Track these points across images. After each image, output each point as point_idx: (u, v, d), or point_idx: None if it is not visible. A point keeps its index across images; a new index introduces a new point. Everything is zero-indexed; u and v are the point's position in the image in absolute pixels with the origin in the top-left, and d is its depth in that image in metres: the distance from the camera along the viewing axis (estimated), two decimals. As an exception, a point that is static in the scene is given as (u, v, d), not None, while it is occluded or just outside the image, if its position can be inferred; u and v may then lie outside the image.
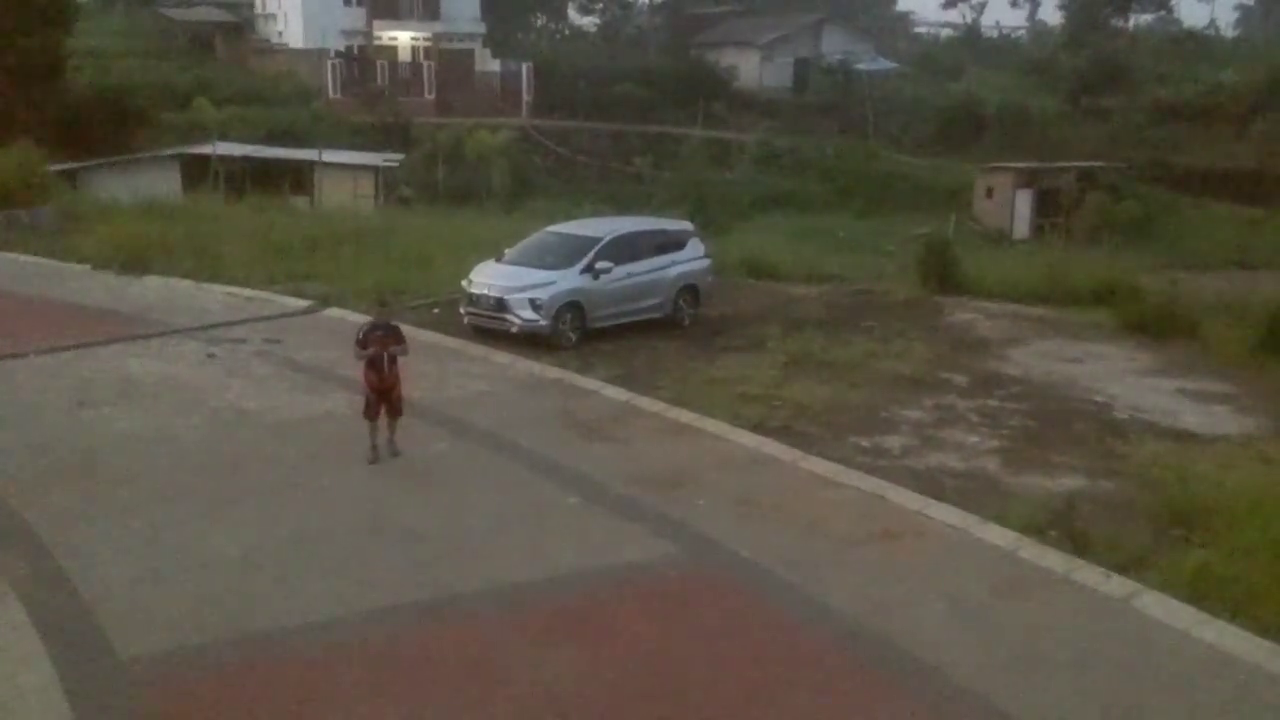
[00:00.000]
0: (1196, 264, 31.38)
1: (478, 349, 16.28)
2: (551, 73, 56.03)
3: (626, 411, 13.71)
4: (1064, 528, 10.03)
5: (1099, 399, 14.63)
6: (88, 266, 21.26)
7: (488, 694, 7.60)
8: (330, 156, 34.23)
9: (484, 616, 8.67)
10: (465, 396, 14.14)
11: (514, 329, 16.30)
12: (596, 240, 17.19)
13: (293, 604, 8.73)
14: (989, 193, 44.70)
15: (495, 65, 56.61)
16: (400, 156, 38.94)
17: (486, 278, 16.85)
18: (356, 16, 55.40)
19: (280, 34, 57.29)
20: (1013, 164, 45.16)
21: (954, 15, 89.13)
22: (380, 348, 11.70)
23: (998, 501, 10.81)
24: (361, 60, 54.63)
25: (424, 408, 13.11)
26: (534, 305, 16.18)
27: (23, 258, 22.21)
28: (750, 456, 12.18)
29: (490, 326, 16.61)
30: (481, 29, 57.69)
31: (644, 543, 10.01)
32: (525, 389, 14.69)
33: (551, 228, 18.80)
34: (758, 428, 12.87)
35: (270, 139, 39.04)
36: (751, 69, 63.01)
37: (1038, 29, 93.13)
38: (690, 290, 18.06)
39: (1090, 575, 9.32)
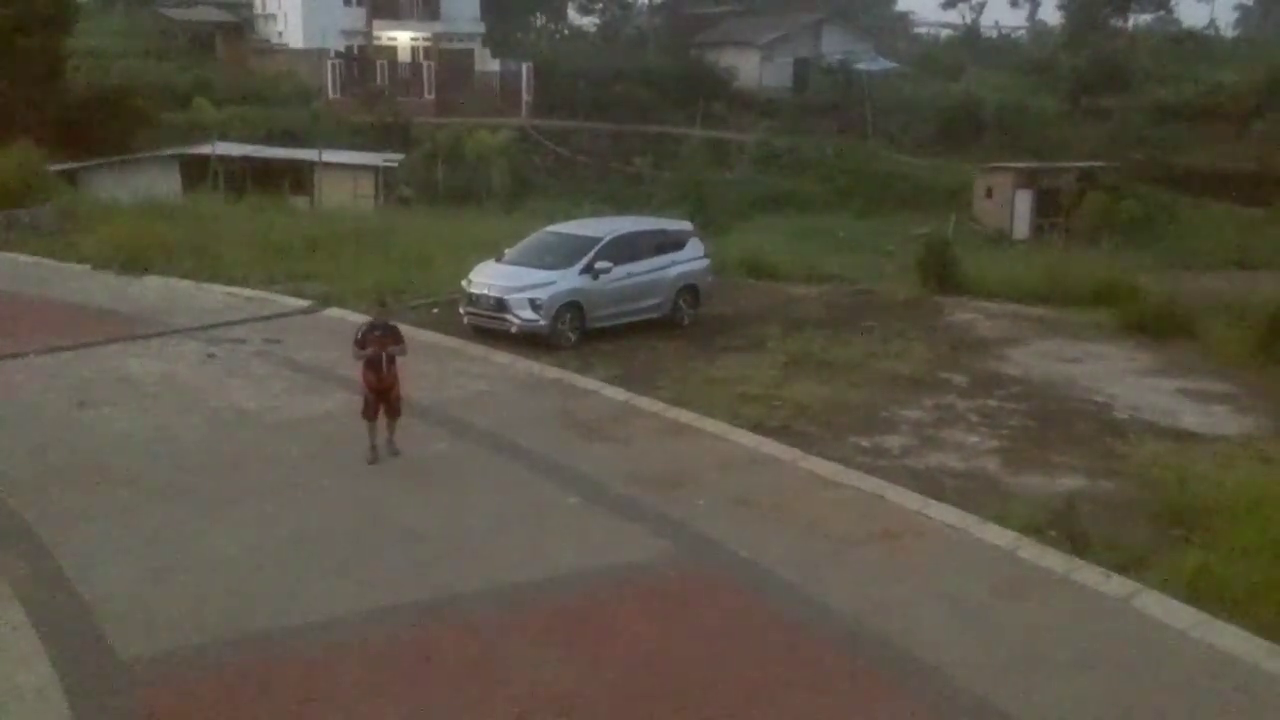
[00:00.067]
0: (1196, 264, 31.36)
1: (477, 349, 16.28)
2: (551, 73, 56.00)
3: (626, 411, 13.71)
4: (1064, 528, 10.03)
5: (1099, 399, 14.63)
6: (88, 266, 21.27)
7: (488, 694, 7.60)
8: (330, 156, 34.22)
9: (484, 616, 8.67)
10: (465, 396, 14.14)
11: (513, 329, 16.30)
12: (596, 240, 17.19)
13: (293, 604, 8.73)
14: (989, 193, 44.69)
15: (495, 65, 56.59)
16: (400, 156, 38.92)
17: (486, 278, 16.86)
18: (356, 16, 55.38)
19: (280, 34, 57.28)
20: (1012, 164, 45.14)
21: (954, 15, 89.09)
22: (379, 348, 11.71)
23: (997, 501, 10.81)
24: (361, 60, 54.62)
25: (424, 408, 13.11)
26: (534, 305, 16.18)
27: (23, 258, 22.22)
28: (750, 456, 12.18)
29: (490, 326, 16.61)
30: (481, 29, 57.67)
31: (644, 543, 10.02)
32: (525, 389, 14.69)
33: (551, 228, 18.80)
34: (757, 428, 12.87)
35: (270, 139, 39.04)
36: (751, 69, 62.96)
37: (1037, 29, 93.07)
38: (690, 290, 18.06)
39: (1090, 575, 9.32)
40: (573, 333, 16.53)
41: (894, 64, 67.25)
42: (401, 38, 56.12)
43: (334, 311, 18.14)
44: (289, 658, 8.04)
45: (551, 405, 13.88)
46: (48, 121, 32.90)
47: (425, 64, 54.80)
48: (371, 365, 11.72)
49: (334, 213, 28.14)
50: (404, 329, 12.66)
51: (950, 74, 66.93)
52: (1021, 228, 42.92)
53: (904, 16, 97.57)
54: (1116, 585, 9.15)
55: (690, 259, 18.16)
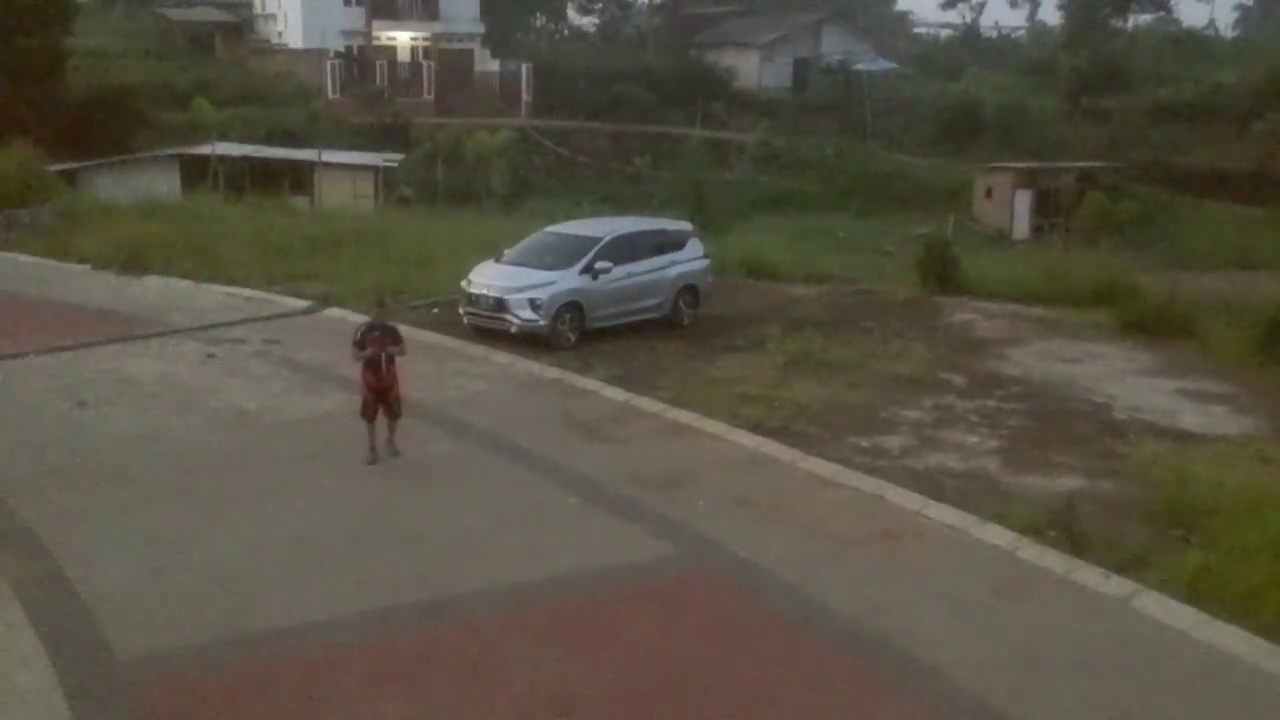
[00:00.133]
0: (1196, 264, 31.37)
1: (477, 349, 16.28)
2: (551, 73, 56.01)
3: (626, 412, 13.71)
4: (1063, 528, 10.03)
5: (1098, 399, 14.63)
6: (87, 266, 21.27)
7: (488, 694, 7.60)
8: (330, 157, 34.21)
9: (484, 616, 8.67)
10: (464, 397, 14.15)
11: (513, 329, 16.31)
12: (596, 240, 17.19)
13: (293, 604, 8.73)
14: (988, 193, 44.69)
15: (494, 65, 56.58)
16: (400, 157, 38.90)
17: (486, 278, 16.86)
18: (356, 16, 55.35)
19: (280, 34, 57.25)
20: (1012, 164, 45.15)
21: (953, 15, 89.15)
22: (378, 348, 11.71)
23: (997, 502, 10.82)
24: (361, 60, 54.60)
25: (423, 408, 13.11)
26: (533, 305, 16.18)
27: (22, 258, 22.22)
28: (749, 457, 12.19)
29: (490, 327, 16.61)
30: (481, 29, 57.64)
31: (643, 543, 10.02)
32: (524, 389, 14.70)
33: (551, 228, 18.80)
34: (757, 428, 12.87)
35: (270, 139, 39.01)
36: (751, 69, 62.95)
37: (1037, 29, 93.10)
38: (690, 290, 18.06)
39: (1089, 575, 9.32)
40: (572, 333, 16.53)
41: (894, 64, 67.22)
42: (401, 38, 56.11)
43: (333, 312, 18.14)
44: (289, 658, 8.04)
45: (551, 405, 13.88)
46: (47, 121, 32.93)
47: (425, 64, 54.80)
48: (370, 366, 11.73)
49: (334, 213, 28.13)
50: (403, 329, 12.66)
51: (950, 74, 66.97)
52: (1021, 228, 42.93)
53: (904, 16, 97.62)
54: (1116, 586, 9.15)
55: (690, 259, 18.17)
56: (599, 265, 16.70)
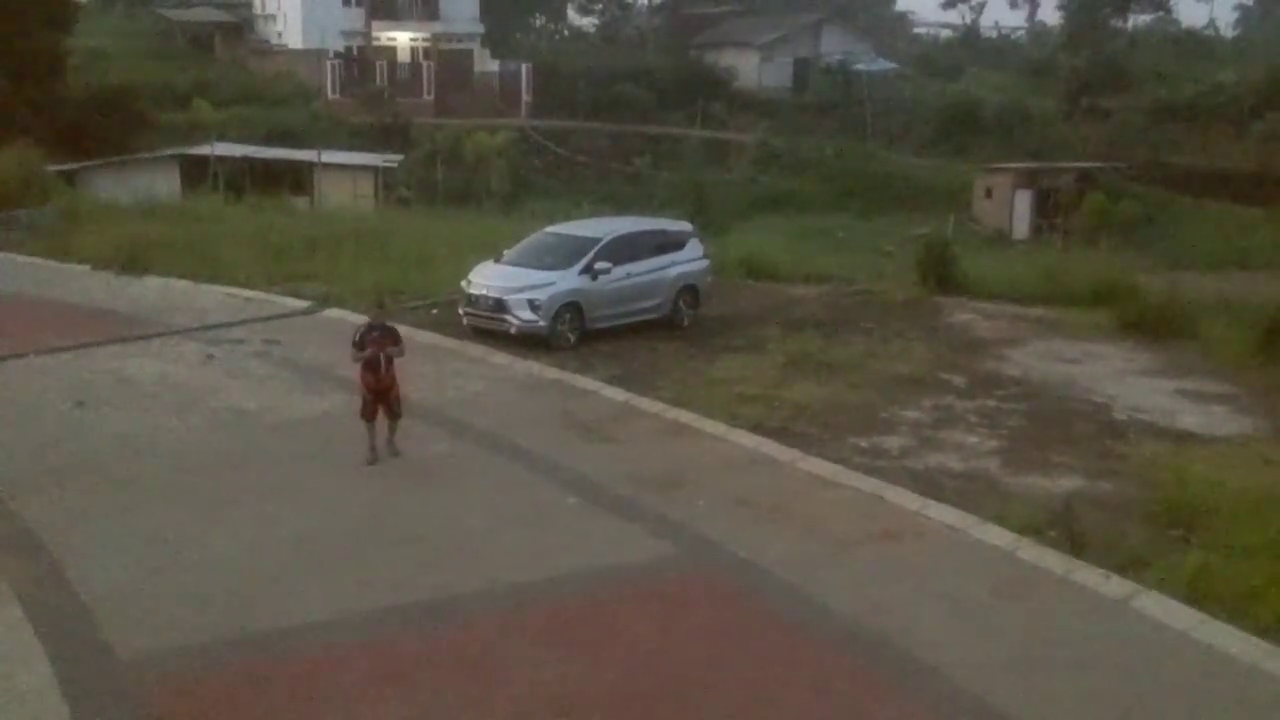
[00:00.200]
0: (1196, 264, 31.37)
1: (476, 349, 16.28)
2: (551, 73, 56.02)
3: (625, 412, 13.71)
4: (1063, 528, 10.03)
5: (1098, 399, 14.63)
6: (87, 267, 21.27)
7: (488, 694, 7.60)
8: (329, 157, 34.21)
9: (484, 616, 8.68)
10: (464, 397, 14.15)
11: (513, 330, 16.30)
12: (595, 241, 17.19)
13: (293, 604, 8.73)
14: (988, 193, 44.70)
15: (494, 66, 56.58)
16: (399, 157, 38.90)
17: (485, 278, 16.85)
18: (355, 17, 55.36)
19: (279, 34, 57.26)
20: (1012, 164, 45.16)
21: (953, 16, 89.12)
22: (377, 349, 11.71)
23: (997, 502, 10.82)
24: (360, 61, 54.62)
25: (423, 408, 13.11)
26: (533, 306, 16.18)
27: (22, 258, 22.21)
28: (749, 457, 12.19)
29: (489, 327, 16.60)
30: (480, 29, 57.65)
31: (643, 543, 10.02)
32: (524, 390, 14.70)
33: (550, 228, 18.80)
34: (757, 428, 12.87)
35: (269, 140, 39.01)
36: (751, 69, 62.96)
37: (1037, 29, 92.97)
38: (689, 291, 18.04)
39: (1089, 576, 9.32)
40: (572, 333, 16.52)
41: (893, 64, 67.21)
42: (401, 38, 56.12)
43: (333, 312, 18.13)
44: (289, 658, 8.04)
45: (551, 406, 13.88)
46: (47, 122, 32.94)
47: (424, 64, 54.81)
48: (370, 366, 11.73)
49: (333, 213, 28.15)
50: (403, 330, 12.67)
51: (950, 74, 66.96)
52: (1021, 228, 42.93)
53: (903, 17, 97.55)
54: (1116, 586, 9.15)
55: (690, 259, 18.16)
56: (598, 266, 16.69)
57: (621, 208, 33.77)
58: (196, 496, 10.79)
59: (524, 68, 55.07)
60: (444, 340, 16.58)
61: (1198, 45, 74.02)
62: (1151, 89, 57.94)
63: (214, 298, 19.33)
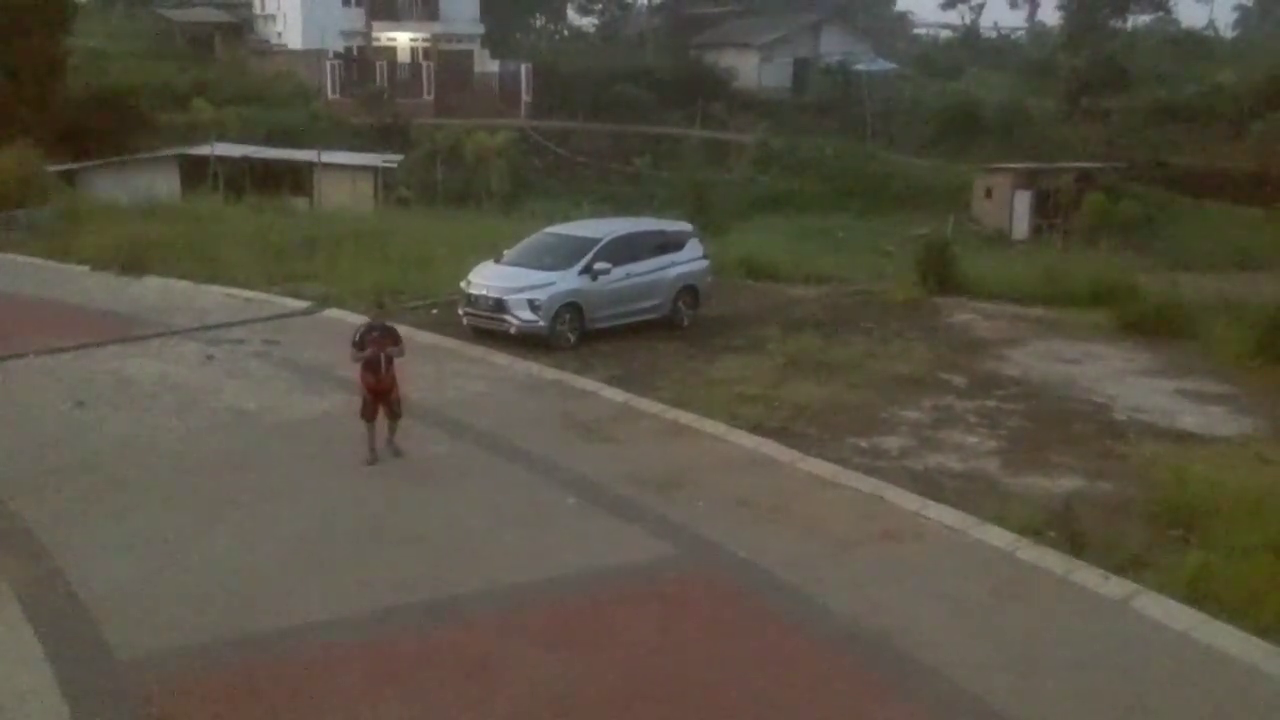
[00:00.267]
0: (1196, 264, 31.35)
1: (476, 350, 16.28)
2: (550, 73, 55.97)
3: (625, 412, 13.71)
4: (1063, 529, 10.04)
5: (1098, 400, 14.64)
6: (87, 267, 21.27)
7: (488, 694, 7.60)
8: (329, 157, 34.19)
9: (484, 616, 8.68)
10: (464, 397, 14.15)
11: (512, 330, 16.31)
12: (595, 241, 17.19)
13: (293, 604, 8.74)
14: (988, 193, 44.68)
15: (494, 66, 56.55)
16: (399, 157, 38.85)
17: (485, 279, 16.86)
18: (355, 17, 55.33)
19: (279, 34, 57.24)
20: (1012, 164, 45.12)
21: (953, 16, 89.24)
22: (376, 349, 11.72)
23: (996, 502, 10.82)
24: (360, 61, 54.57)
25: (423, 409, 13.11)
26: (532, 306, 16.18)
27: (22, 258, 22.21)
28: (749, 457, 12.19)
29: (489, 327, 16.61)
30: (480, 30, 57.62)
31: (643, 544, 10.02)
32: (524, 390, 14.70)
33: (550, 228, 18.82)
34: (756, 429, 12.88)
35: (269, 140, 38.96)
36: (750, 69, 62.94)
37: (1036, 30, 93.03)
38: (689, 291, 18.05)
39: (1089, 576, 9.33)
40: (572, 334, 16.53)
41: (893, 65, 67.20)
42: (400, 38, 56.10)
43: (333, 312, 18.14)
44: (289, 658, 8.04)
45: (551, 406, 13.88)
46: (47, 121, 32.89)
47: (424, 65, 54.77)
48: (369, 366, 11.74)
49: (333, 214, 28.14)
50: (403, 330, 12.67)
51: (949, 75, 66.99)
52: (1020, 228, 42.90)
53: (903, 17, 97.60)
54: (1115, 586, 9.16)
55: (689, 260, 18.16)
56: (598, 266, 16.70)
57: (621, 208, 33.77)
58: (196, 497, 10.79)
59: (524, 68, 55.04)
60: (444, 340, 16.58)
61: (1197, 46, 74.03)
62: (1151, 89, 57.97)
63: (214, 298, 19.33)
